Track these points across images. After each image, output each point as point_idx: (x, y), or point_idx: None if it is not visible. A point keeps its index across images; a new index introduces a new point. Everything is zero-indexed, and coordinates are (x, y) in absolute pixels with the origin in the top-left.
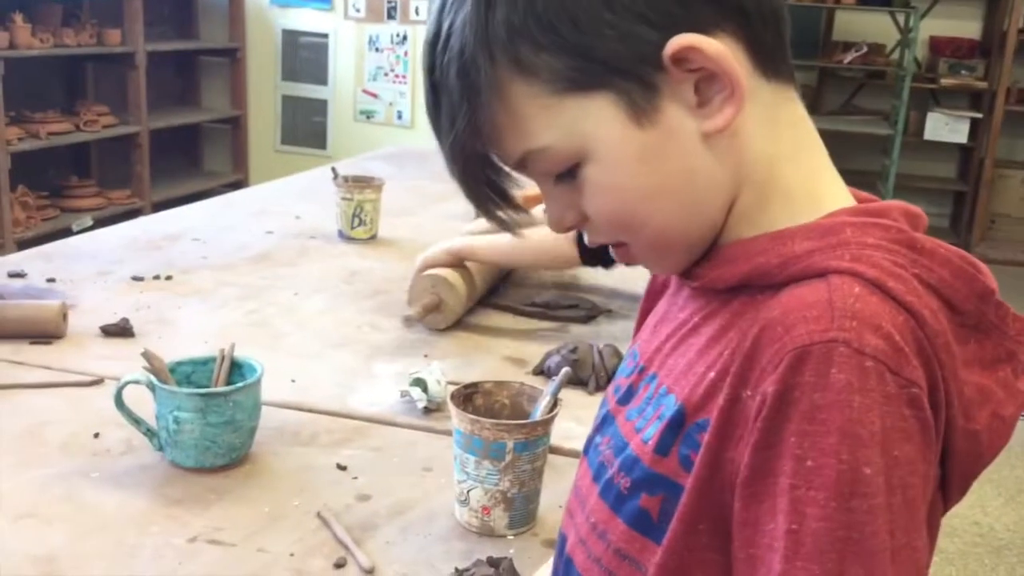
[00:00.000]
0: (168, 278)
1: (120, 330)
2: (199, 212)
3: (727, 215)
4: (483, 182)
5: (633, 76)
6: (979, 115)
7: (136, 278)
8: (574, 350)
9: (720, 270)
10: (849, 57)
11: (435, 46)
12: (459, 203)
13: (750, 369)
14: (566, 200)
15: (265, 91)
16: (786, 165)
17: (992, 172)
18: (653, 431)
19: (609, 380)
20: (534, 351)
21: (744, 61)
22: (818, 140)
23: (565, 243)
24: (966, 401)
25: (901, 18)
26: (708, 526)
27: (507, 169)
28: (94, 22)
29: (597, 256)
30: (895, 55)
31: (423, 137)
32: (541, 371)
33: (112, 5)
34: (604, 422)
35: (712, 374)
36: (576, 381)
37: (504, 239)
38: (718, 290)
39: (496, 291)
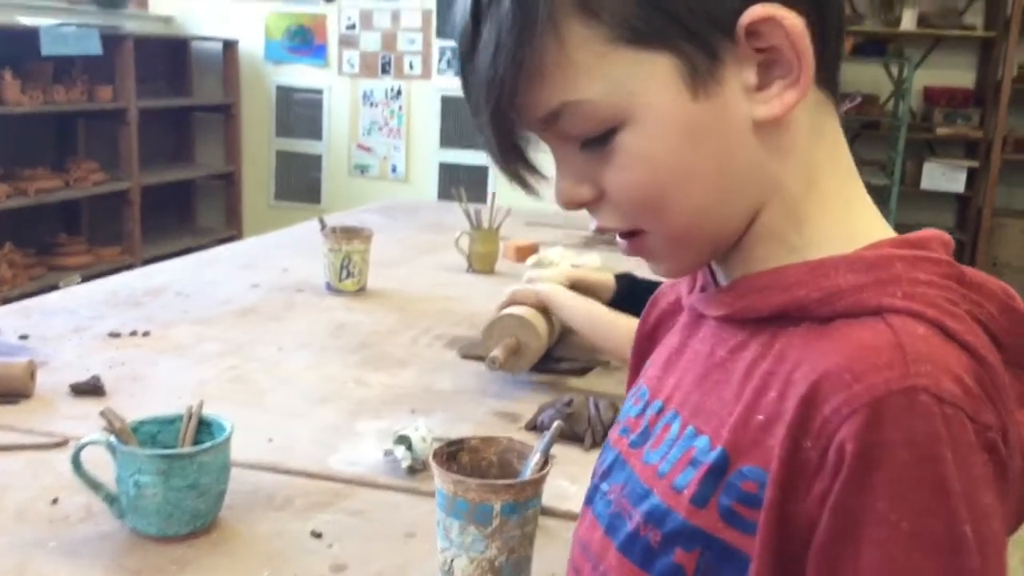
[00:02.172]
0: (146, 334)
1: (91, 388)
2: (183, 266)
3: (751, 226)
4: (512, 133)
5: (700, 40)
6: (976, 164)
7: (113, 334)
8: (569, 403)
9: (749, 300)
10: (844, 107)
11: None
12: (450, 254)
13: (810, 418)
14: (586, 171)
15: (259, 146)
16: (824, 180)
17: (991, 221)
18: (687, 478)
19: (606, 435)
20: (527, 406)
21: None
22: (852, 162)
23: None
24: (1020, 440)
25: (895, 68)
26: None
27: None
28: (85, 78)
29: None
30: (890, 105)
31: (417, 190)
32: (534, 426)
33: (104, 62)
34: (613, 467)
35: (760, 417)
36: (571, 436)
37: (584, 306)
38: (743, 320)
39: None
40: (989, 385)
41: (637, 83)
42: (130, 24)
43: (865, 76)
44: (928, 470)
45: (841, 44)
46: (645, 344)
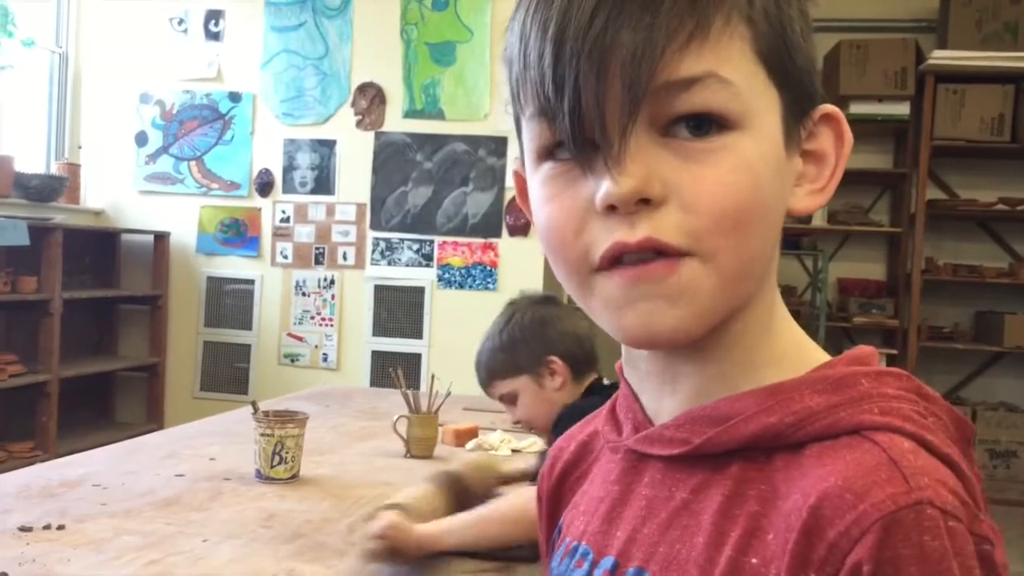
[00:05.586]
0: (60, 527)
1: None
2: (102, 457)
3: (729, 323)
4: (645, 90)
5: (802, 98)
6: (894, 352)
7: (24, 528)
8: None
9: (711, 434)
10: None
11: None
12: (386, 440)
13: (812, 547)
14: (658, 168)
15: (186, 338)
16: (778, 298)
17: None
18: None
19: None
20: None
21: None
22: None
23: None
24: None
25: (809, 261)
26: None
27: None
28: (9, 270)
29: None
30: (807, 296)
31: (348, 379)
32: None
33: (30, 253)
34: None
35: (754, 561)
36: None
37: (462, 518)
38: (699, 457)
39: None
40: (968, 497)
41: (762, 103)
42: (60, 216)
43: (781, 268)
44: None
45: None
46: (554, 500)
